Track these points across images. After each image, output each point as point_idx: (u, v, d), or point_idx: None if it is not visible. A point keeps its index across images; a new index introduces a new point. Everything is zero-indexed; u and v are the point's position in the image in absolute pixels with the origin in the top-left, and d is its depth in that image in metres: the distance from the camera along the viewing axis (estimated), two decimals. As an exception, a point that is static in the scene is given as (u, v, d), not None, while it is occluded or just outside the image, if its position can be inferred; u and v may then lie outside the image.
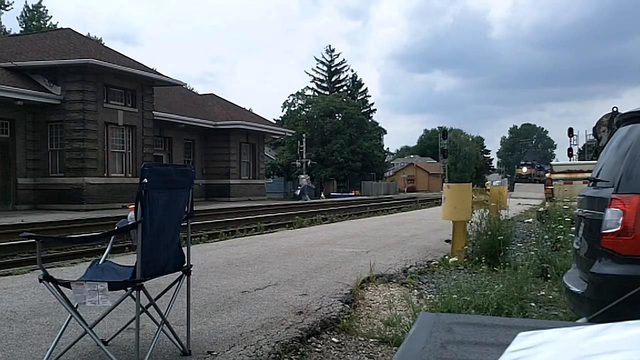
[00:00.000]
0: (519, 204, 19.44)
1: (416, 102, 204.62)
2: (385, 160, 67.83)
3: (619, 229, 3.30)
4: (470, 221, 8.28)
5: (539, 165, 74.90)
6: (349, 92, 64.82)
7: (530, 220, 13.62)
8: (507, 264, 6.32)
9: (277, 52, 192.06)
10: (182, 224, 3.75)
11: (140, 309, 3.41)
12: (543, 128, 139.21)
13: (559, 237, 8.11)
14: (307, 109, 55.99)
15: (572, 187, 15.61)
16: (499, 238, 7.39)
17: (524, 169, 63.03)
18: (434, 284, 6.33)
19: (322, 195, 47.45)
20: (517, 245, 8.43)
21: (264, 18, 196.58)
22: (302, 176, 42.61)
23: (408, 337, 1.12)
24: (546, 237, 8.43)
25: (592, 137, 26.40)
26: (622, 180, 3.41)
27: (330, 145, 52.25)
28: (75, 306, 3.39)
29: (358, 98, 65.37)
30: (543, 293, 5.83)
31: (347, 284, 6.01)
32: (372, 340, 4.39)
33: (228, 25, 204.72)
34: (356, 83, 67.96)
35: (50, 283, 3.34)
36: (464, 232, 8.23)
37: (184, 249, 3.81)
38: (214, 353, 3.67)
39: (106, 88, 24.78)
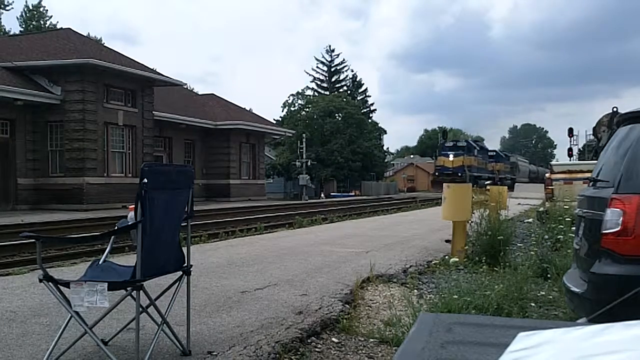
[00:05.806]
0: (519, 204, 19.44)
1: (416, 102, 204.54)
2: (385, 160, 67.74)
3: (619, 229, 3.30)
4: (470, 221, 8.28)
5: (492, 152, 43.29)
6: (349, 92, 64.78)
7: (530, 220, 13.61)
8: (507, 264, 6.31)
9: (277, 52, 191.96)
10: (182, 224, 3.76)
11: (140, 309, 3.42)
12: (543, 128, 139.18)
13: (559, 237, 8.11)
14: (307, 109, 55.96)
15: (572, 187, 15.59)
16: (499, 238, 7.39)
17: (451, 156, 37.69)
18: (434, 284, 6.33)
19: (322, 195, 47.45)
20: (517, 245, 8.42)
21: (263, 18, 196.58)
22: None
23: (408, 337, 1.12)
24: (546, 237, 8.43)
25: (592, 137, 26.32)
26: (622, 180, 3.41)
27: (330, 145, 52.21)
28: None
29: (358, 98, 65.32)
30: (543, 293, 5.83)
31: (347, 284, 6.01)
32: (372, 340, 4.39)
33: (228, 25, 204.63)
34: (356, 83, 67.97)
35: (50, 283, 3.34)
36: (464, 232, 8.23)
37: (184, 249, 3.81)
38: (214, 353, 3.67)
39: (106, 88, 24.77)
